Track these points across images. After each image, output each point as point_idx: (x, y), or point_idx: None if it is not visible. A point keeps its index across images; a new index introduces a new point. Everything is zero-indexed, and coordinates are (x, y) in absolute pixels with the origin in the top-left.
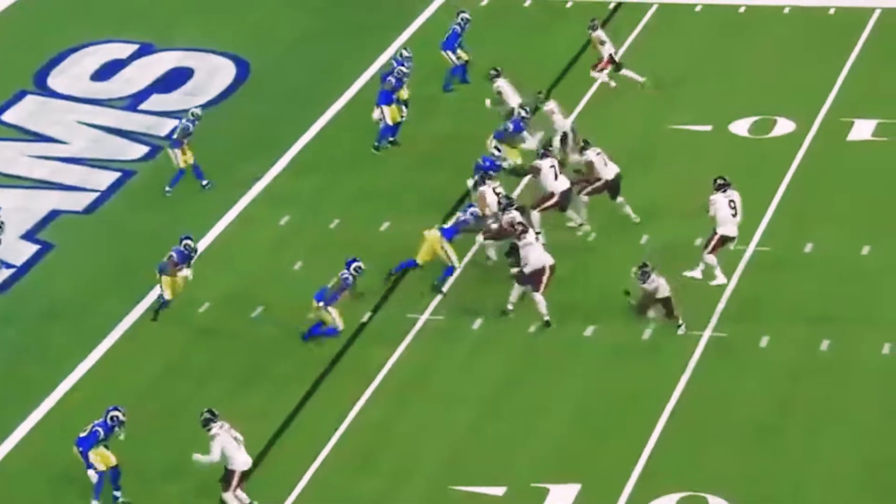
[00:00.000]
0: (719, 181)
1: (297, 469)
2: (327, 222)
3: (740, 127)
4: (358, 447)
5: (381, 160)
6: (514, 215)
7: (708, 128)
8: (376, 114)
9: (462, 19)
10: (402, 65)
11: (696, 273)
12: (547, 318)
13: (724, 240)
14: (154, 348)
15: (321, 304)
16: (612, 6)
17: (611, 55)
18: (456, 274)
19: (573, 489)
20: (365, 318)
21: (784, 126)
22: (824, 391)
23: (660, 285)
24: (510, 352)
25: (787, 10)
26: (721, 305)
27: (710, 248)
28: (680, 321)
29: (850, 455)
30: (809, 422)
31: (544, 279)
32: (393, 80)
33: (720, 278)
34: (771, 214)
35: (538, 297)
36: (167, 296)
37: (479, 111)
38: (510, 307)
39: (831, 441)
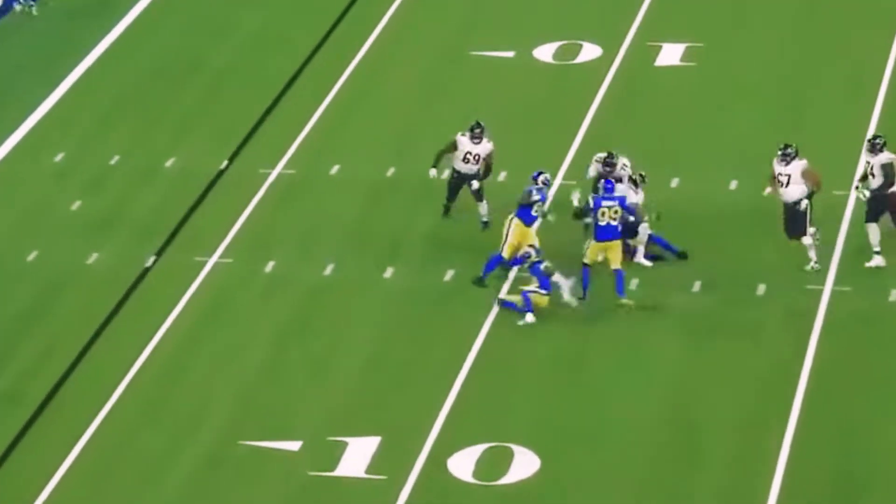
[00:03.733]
0: None
1: (78, 423)
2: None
3: (544, 52)
4: (142, 399)
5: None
6: None
7: (510, 54)
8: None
9: None
10: None
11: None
12: None
13: None
14: None
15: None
16: None
17: None
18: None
19: (373, 442)
20: (149, 263)
21: (590, 51)
22: (625, 330)
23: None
24: (303, 295)
25: None
26: (536, 241)
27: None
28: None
29: (653, 393)
30: (611, 361)
31: None
32: None
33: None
34: (578, 143)
35: None
36: None
37: None
38: None
39: (632, 380)
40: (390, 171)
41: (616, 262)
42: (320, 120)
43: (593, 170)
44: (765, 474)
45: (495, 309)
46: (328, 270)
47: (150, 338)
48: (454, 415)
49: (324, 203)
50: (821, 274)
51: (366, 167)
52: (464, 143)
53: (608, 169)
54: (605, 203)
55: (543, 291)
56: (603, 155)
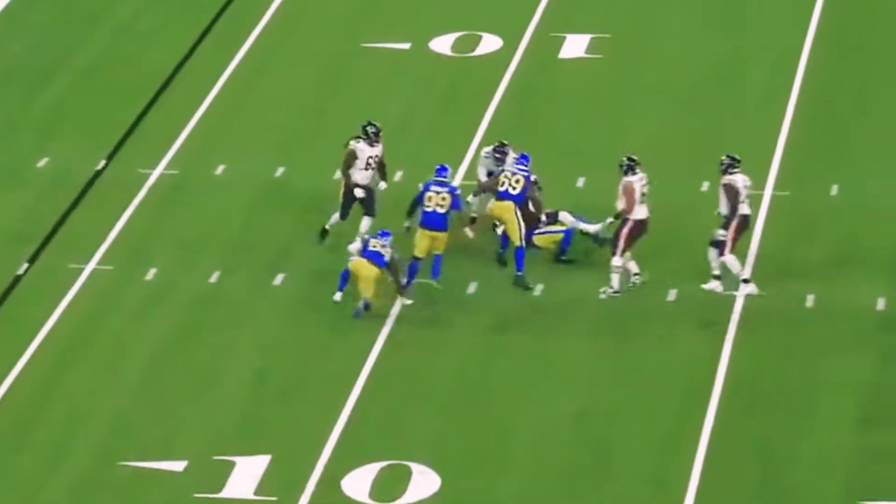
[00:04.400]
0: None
1: None
2: None
3: (442, 44)
4: (14, 418)
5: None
6: None
7: (406, 46)
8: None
9: None
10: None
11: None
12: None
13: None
14: None
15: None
16: None
17: None
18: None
19: (262, 461)
20: (21, 270)
21: (490, 42)
22: (532, 341)
23: None
24: (186, 304)
25: None
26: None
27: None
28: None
29: (561, 407)
30: (517, 373)
31: None
32: None
33: None
34: (479, 140)
35: None
36: None
37: None
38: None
39: (540, 394)
40: (279, 172)
41: (439, 250)
42: (204, 117)
43: (483, 169)
44: (680, 490)
45: (392, 319)
46: (214, 278)
47: (23, 352)
48: (349, 431)
49: (209, 206)
50: (734, 279)
51: (253, 167)
52: (362, 149)
53: (499, 157)
54: (433, 188)
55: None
56: (490, 148)
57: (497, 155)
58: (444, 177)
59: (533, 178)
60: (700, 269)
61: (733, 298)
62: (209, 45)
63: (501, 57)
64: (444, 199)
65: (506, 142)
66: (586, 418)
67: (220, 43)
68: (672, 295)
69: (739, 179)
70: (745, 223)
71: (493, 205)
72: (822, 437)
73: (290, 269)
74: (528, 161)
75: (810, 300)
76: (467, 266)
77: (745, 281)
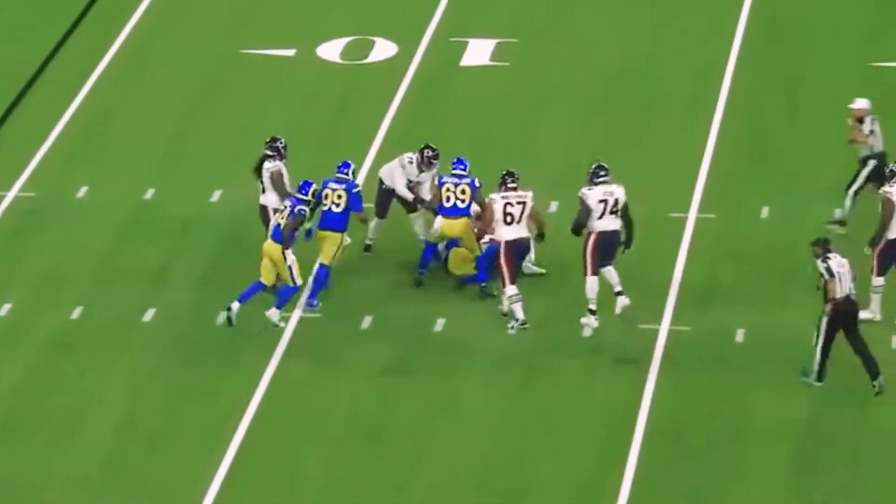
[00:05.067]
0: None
1: None
2: None
3: (330, 50)
4: None
5: None
6: None
7: (290, 52)
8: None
9: None
10: None
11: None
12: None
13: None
14: None
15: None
16: None
17: None
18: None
19: None
20: None
21: (383, 49)
22: (433, 381)
23: None
24: (45, 343)
25: None
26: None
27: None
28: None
29: (466, 454)
30: (417, 417)
31: None
32: None
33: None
34: (373, 156)
35: None
36: None
37: None
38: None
39: (442, 439)
40: (149, 194)
41: (326, 258)
42: (64, 133)
43: (402, 179)
44: None
45: (278, 356)
46: (76, 314)
47: None
48: (230, 480)
49: (70, 232)
50: (656, 311)
51: (120, 189)
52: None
53: (432, 162)
54: (330, 185)
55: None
56: (413, 154)
57: (429, 161)
58: (345, 173)
59: (478, 182)
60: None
61: (655, 332)
62: (71, 48)
63: (397, 64)
64: (339, 196)
65: (434, 145)
66: (494, 466)
67: (83, 46)
68: (587, 330)
69: (599, 192)
70: (605, 238)
71: (442, 225)
72: (756, 485)
73: (163, 302)
74: (466, 165)
75: (740, 334)
76: (361, 297)
77: (592, 311)
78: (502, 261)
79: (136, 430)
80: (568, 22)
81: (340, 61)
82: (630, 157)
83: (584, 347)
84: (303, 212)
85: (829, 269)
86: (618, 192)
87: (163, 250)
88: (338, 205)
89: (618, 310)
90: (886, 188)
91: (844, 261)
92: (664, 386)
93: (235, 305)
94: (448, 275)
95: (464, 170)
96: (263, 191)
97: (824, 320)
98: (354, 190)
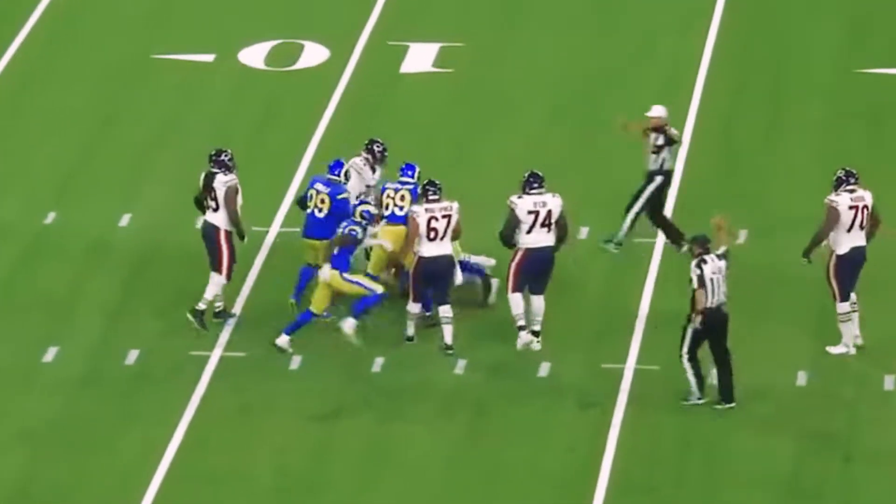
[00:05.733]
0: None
1: None
2: None
3: (254, 55)
4: None
5: None
6: None
7: (209, 57)
8: None
9: None
10: None
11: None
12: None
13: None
14: None
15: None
16: None
17: None
18: None
19: None
20: None
21: (314, 53)
22: (370, 429)
23: None
24: None
25: None
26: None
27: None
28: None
29: None
30: (353, 470)
31: None
32: None
33: None
34: (303, 172)
35: None
36: None
37: None
38: None
39: (382, 493)
40: (49, 218)
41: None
42: None
43: (357, 185)
44: None
45: (196, 401)
46: None
47: None
48: None
49: None
50: (620, 349)
51: (17, 212)
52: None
53: (386, 155)
54: (317, 185)
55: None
56: (359, 159)
57: (382, 155)
58: (336, 174)
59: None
60: (585, 332)
61: (620, 372)
62: None
63: (328, 71)
64: (323, 200)
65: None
66: None
67: None
68: (544, 369)
69: (529, 202)
70: (533, 257)
71: (381, 231)
72: None
73: (66, 340)
74: (414, 172)
75: (713, 375)
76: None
77: (521, 328)
78: (412, 277)
79: (33, 486)
80: (520, 23)
81: (265, 67)
82: (588, 174)
83: (540, 389)
84: (354, 233)
85: (700, 278)
86: (551, 202)
87: (66, 280)
88: (321, 209)
89: (519, 345)
90: (832, 196)
91: (721, 264)
92: (630, 432)
93: (284, 339)
94: (390, 309)
95: (411, 176)
96: (216, 209)
97: (689, 331)
98: (339, 196)
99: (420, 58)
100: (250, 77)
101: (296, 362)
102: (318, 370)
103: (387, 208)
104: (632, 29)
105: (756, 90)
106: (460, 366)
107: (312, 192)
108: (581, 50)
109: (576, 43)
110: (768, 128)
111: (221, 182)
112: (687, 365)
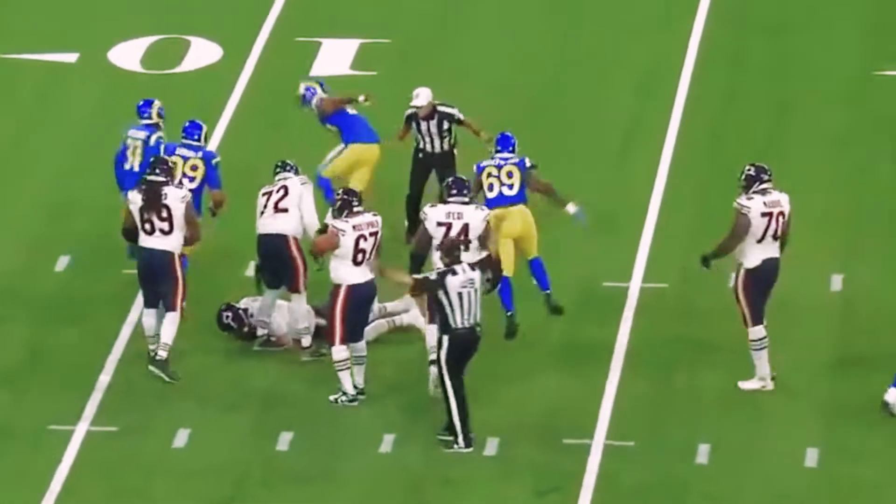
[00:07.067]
0: None
1: None
2: None
3: (127, 54)
4: None
5: None
6: None
7: (71, 57)
8: None
9: None
10: None
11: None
12: None
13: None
14: None
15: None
16: None
17: None
18: None
19: None
20: None
21: (203, 52)
22: (318, 456)
23: None
24: None
25: None
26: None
27: None
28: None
29: None
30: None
31: None
32: None
33: None
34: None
35: None
36: None
37: None
38: None
39: None
40: None
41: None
42: None
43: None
44: None
45: (55, 491)
46: None
47: None
48: None
49: None
50: (586, 420)
51: None
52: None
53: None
54: (179, 150)
55: None
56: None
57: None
58: (196, 138)
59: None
60: (545, 389)
61: (587, 448)
62: None
63: (221, 72)
64: (194, 167)
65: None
66: None
67: None
68: (491, 447)
69: (441, 212)
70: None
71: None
72: None
73: None
74: (514, 144)
75: (702, 452)
76: (173, 404)
77: (432, 362)
78: (339, 312)
79: None
80: (460, 16)
81: (141, 69)
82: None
83: (491, 468)
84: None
85: (446, 293)
86: (469, 215)
87: None
88: (192, 178)
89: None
90: (742, 200)
91: (475, 275)
92: None
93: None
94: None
95: (512, 150)
96: (169, 230)
97: (442, 355)
98: (213, 160)
99: (335, 57)
100: (123, 80)
101: (180, 438)
102: (207, 451)
103: (490, 189)
104: (601, 17)
105: (751, 92)
106: (387, 441)
107: (176, 159)
108: (537, 44)
109: (531, 36)
110: (766, 142)
111: (180, 197)
112: (451, 402)
